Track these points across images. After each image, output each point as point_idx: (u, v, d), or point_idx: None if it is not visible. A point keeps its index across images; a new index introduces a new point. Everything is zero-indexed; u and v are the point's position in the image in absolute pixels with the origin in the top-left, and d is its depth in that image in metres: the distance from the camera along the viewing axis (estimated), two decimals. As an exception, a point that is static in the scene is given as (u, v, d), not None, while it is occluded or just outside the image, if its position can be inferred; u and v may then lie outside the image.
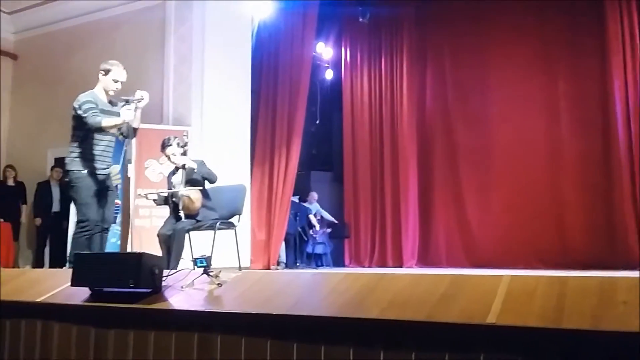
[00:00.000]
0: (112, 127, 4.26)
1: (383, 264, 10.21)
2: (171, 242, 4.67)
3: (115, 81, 4.40)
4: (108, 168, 4.48)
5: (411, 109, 10.48)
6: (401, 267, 9.80)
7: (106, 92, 4.44)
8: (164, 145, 5.01)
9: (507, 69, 9.62)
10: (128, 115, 4.16)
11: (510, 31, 9.61)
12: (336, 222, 10.51)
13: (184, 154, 4.97)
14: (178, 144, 4.97)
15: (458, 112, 10.18)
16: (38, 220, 8.47)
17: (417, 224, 10.21)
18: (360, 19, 10.58)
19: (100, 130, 4.23)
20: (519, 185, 9.30)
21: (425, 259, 10.05)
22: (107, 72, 4.40)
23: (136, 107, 4.20)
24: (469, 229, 9.78)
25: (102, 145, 4.37)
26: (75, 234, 4.26)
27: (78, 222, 4.28)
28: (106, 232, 4.42)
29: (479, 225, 9.66)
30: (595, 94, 8.81)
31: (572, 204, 8.81)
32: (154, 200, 5.03)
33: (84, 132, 4.29)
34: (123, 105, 4.21)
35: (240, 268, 5.17)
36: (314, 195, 10.46)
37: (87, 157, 4.28)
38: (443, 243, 10.04)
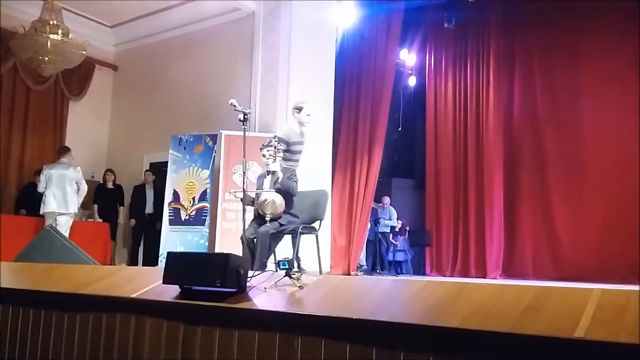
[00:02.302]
0: None
1: (465, 274, 9.97)
2: (255, 245, 4.80)
3: (308, 115, 5.29)
4: None
5: (497, 115, 10.20)
6: (485, 277, 9.53)
7: (300, 124, 5.36)
8: (263, 146, 5.19)
9: (601, 74, 9.16)
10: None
11: (604, 34, 9.16)
12: (401, 222, 10.42)
13: (275, 160, 5.09)
14: (274, 149, 5.10)
15: (548, 119, 9.80)
16: (133, 221, 8.96)
17: (502, 233, 9.90)
18: (446, 25, 10.42)
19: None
20: (612, 194, 8.82)
21: (510, 270, 9.72)
22: (300, 109, 5.33)
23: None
24: (557, 240, 9.36)
25: None
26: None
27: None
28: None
29: (569, 236, 9.24)
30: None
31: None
32: (241, 199, 5.16)
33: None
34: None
35: (320, 272, 5.23)
36: (387, 199, 10.39)
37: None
38: (529, 254, 9.68)
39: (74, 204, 7.31)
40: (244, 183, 4.50)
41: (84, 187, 7.46)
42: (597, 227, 8.92)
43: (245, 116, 4.49)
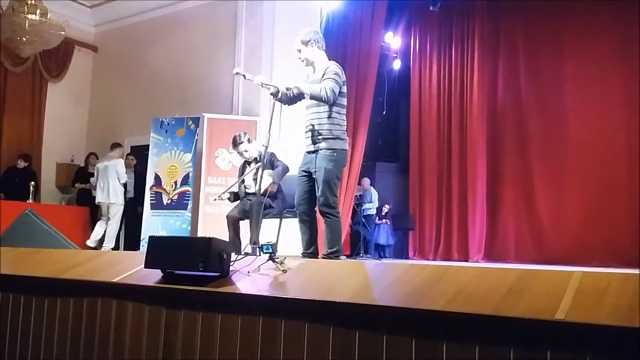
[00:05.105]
0: None
1: (448, 258, 10.04)
2: (239, 226, 4.78)
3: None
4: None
5: (481, 99, 10.21)
6: (467, 261, 9.61)
7: None
8: (236, 143, 5.12)
9: (584, 58, 9.20)
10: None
11: (588, 18, 9.18)
12: (388, 207, 10.42)
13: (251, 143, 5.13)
14: (249, 140, 5.11)
15: (531, 103, 9.84)
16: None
17: (485, 217, 9.97)
18: (431, 8, 10.36)
19: None
20: (594, 179, 8.91)
21: (492, 254, 9.81)
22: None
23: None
24: (539, 224, 9.45)
25: None
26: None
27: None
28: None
29: (551, 220, 9.33)
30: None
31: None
32: (228, 199, 5.14)
33: None
34: None
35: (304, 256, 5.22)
36: (366, 181, 10.37)
37: None
38: (511, 238, 9.77)
39: (116, 194, 8.05)
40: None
41: (122, 179, 8.11)
42: (579, 211, 9.02)
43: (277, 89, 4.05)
